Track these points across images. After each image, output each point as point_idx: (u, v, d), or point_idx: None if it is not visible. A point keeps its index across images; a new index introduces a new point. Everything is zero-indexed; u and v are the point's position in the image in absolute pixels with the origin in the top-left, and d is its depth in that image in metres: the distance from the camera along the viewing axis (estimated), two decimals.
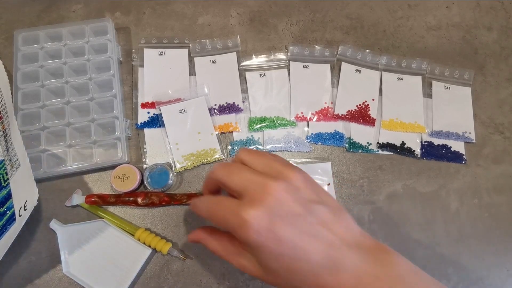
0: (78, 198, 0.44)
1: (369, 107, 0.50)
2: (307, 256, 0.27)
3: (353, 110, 0.50)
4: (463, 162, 0.49)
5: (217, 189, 0.35)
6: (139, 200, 0.44)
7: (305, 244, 0.28)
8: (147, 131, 0.48)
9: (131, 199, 0.44)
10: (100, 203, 0.44)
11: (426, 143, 0.49)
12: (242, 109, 0.49)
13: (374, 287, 0.27)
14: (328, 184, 0.47)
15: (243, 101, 0.49)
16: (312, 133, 0.49)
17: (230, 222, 0.29)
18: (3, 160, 0.40)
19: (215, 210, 0.31)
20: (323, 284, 0.28)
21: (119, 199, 0.44)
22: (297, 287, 0.29)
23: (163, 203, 0.44)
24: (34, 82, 0.47)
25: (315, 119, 0.49)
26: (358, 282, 0.27)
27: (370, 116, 0.50)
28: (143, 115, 0.48)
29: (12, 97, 0.45)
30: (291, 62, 0.51)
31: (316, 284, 0.28)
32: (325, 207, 0.29)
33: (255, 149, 0.47)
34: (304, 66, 0.51)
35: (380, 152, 0.49)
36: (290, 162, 0.47)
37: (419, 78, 0.52)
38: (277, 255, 0.28)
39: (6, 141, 0.41)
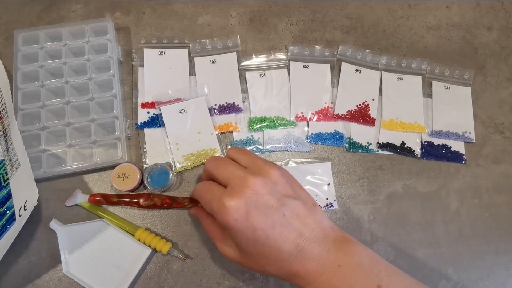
0: (81, 197, 0.44)
1: (369, 107, 0.50)
2: (278, 244, 0.31)
3: (353, 110, 0.50)
4: (463, 162, 0.49)
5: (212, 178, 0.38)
6: (141, 201, 0.43)
7: (276, 233, 0.31)
8: (147, 131, 0.48)
9: (133, 200, 0.43)
10: (103, 202, 0.43)
11: (426, 143, 0.49)
12: (242, 109, 0.49)
13: (336, 273, 0.31)
14: (328, 184, 0.47)
15: (243, 101, 0.49)
16: (312, 133, 0.49)
17: (214, 207, 0.33)
18: (3, 160, 0.40)
19: (205, 193, 0.35)
20: (290, 269, 0.32)
21: (121, 199, 0.43)
22: (268, 271, 0.33)
23: (165, 205, 0.43)
24: (34, 82, 0.47)
25: (315, 119, 0.49)
26: (322, 269, 0.31)
27: (370, 116, 0.50)
28: (143, 115, 0.48)
29: (12, 97, 0.45)
30: (291, 62, 0.51)
31: (284, 269, 0.32)
32: (299, 202, 0.33)
33: (249, 149, 0.48)
34: (304, 66, 0.51)
35: (380, 152, 0.49)
36: (290, 162, 0.48)
37: (419, 78, 0.52)
38: (251, 240, 0.32)
39: (6, 141, 0.41)
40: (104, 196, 0.44)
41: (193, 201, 0.43)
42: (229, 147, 0.48)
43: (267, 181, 0.32)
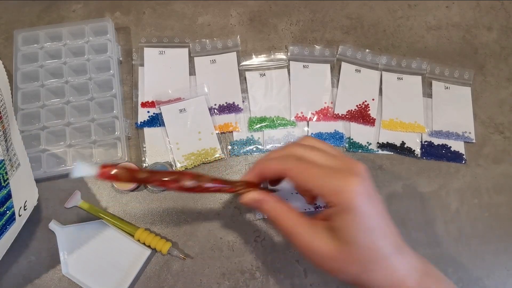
0: (84, 168, 0.29)
1: (369, 107, 0.50)
2: (385, 237, 0.28)
3: (353, 110, 0.50)
4: (463, 162, 0.49)
5: None
6: (186, 182, 0.32)
7: (385, 224, 0.28)
8: (147, 130, 0.48)
9: (172, 178, 0.32)
10: (122, 178, 0.31)
11: (426, 143, 0.49)
12: (242, 109, 0.49)
13: (424, 280, 0.29)
14: None
15: (243, 101, 0.49)
16: (312, 133, 0.49)
17: (332, 184, 0.28)
18: (3, 160, 0.40)
19: (308, 169, 0.29)
20: (397, 271, 0.28)
21: (154, 177, 0.32)
22: (370, 273, 0.28)
23: (212, 189, 0.33)
24: (34, 82, 0.47)
25: (315, 119, 0.49)
26: (416, 274, 0.28)
27: (370, 116, 0.50)
28: (143, 114, 0.48)
29: (12, 97, 0.45)
30: (291, 62, 0.51)
31: (390, 270, 0.28)
32: None
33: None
34: (304, 66, 0.51)
35: (380, 152, 0.49)
36: None
37: (419, 78, 0.52)
38: (368, 229, 0.27)
39: (6, 141, 0.41)
40: (127, 169, 0.31)
41: (249, 185, 0.34)
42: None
43: (367, 170, 0.30)
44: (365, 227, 0.27)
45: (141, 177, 0.31)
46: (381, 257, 0.28)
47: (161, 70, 0.50)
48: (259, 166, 0.33)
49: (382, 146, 0.48)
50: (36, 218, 0.44)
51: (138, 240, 0.43)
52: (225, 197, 0.46)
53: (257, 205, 0.33)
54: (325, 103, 0.50)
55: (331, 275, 0.29)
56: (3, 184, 0.40)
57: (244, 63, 0.51)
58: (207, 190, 0.33)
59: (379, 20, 0.54)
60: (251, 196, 0.33)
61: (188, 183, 0.32)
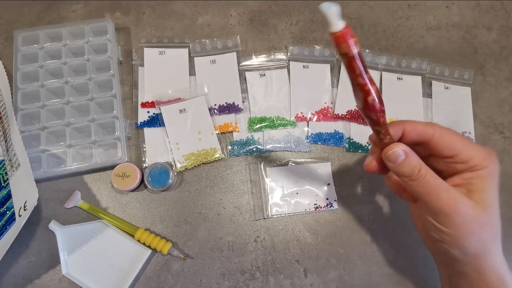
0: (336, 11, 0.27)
1: None
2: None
3: (353, 110, 0.50)
4: None
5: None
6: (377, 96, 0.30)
7: None
8: (147, 130, 0.48)
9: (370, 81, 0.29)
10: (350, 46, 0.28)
11: None
12: (242, 109, 0.49)
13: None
14: (328, 184, 0.47)
15: (243, 101, 0.49)
16: (312, 133, 0.49)
17: (485, 150, 0.32)
18: (3, 160, 0.40)
19: (460, 136, 0.32)
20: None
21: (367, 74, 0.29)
22: (494, 237, 0.31)
23: (381, 121, 0.31)
24: (34, 82, 0.47)
25: (315, 119, 0.49)
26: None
27: None
28: (143, 115, 0.48)
29: (12, 97, 0.45)
30: (291, 62, 0.51)
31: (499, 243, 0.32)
32: None
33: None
34: (304, 66, 0.51)
35: None
36: (290, 162, 0.48)
37: (419, 78, 0.52)
38: (497, 196, 0.32)
39: (6, 141, 0.41)
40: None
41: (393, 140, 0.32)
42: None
43: None
44: (497, 195, 0.32)
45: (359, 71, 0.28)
46: (499, 231, 0.31)
47: (161, 70, 0.50)
48: (403, 123, 0.33)
49: None
50: (36, 218, 0.44)
51: (138, 241, 0.43)
52: (225, 197, 0.46)
53: (403, 158, 0.30)
54: (325, 103, 0.50)
55: (457, 243, 0.30)
56: (3, 184, 0.40)
57: (244, 63, 0.51)
58: (379, 123, 0.32)
59: (379, 20, 0.54)
60: (402, 147, 0.31)
61: (377, 98, 0.30)
